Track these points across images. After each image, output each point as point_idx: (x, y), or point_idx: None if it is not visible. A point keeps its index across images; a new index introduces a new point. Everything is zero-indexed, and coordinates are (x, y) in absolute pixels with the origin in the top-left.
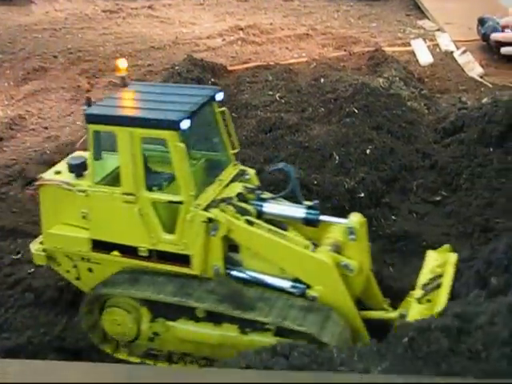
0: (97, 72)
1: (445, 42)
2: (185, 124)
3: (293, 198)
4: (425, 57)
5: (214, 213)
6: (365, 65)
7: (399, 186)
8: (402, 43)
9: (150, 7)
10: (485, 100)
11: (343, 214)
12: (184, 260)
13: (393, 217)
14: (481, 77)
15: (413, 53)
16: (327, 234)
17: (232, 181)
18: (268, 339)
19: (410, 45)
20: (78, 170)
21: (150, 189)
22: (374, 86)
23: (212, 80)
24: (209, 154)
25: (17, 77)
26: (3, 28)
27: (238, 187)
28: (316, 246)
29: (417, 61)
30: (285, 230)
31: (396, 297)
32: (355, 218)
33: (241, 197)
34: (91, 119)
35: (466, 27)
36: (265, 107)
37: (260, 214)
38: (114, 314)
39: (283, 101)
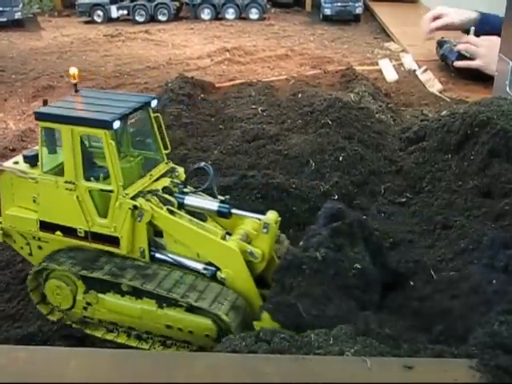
0: (99, 89)
1: (408, 61)
2: (116, 124)
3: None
4: (391, 74)
5: (139, 201)
6: (338, 82)
7: (369, 189)
8: (370, 63)
9: (146, 32)
10: (444, 112)
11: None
12: (114, 241)
13: (363, 216)
14: (440, 92)
15: (380, 71)
16: (241, 225)
17: (162, 176)
18: (180, 314)
19: (377, 64)
20: (32, 160)
21: (88, 179)
22: (345, 100)
23: (202, 96)
24: (145, 152)
25: (28, 94)
26: (16, 51)
27: (166, 182)
28: (230, 235)
29: (384, 78)
30: (203, 220)
31: None
32: (272, 216)
33: (167, 190)
34: (40, 117)
35: (426, 49)
36: (248, 119)
37: (181, 205)
38: (55, 285)
39: (265, 114)
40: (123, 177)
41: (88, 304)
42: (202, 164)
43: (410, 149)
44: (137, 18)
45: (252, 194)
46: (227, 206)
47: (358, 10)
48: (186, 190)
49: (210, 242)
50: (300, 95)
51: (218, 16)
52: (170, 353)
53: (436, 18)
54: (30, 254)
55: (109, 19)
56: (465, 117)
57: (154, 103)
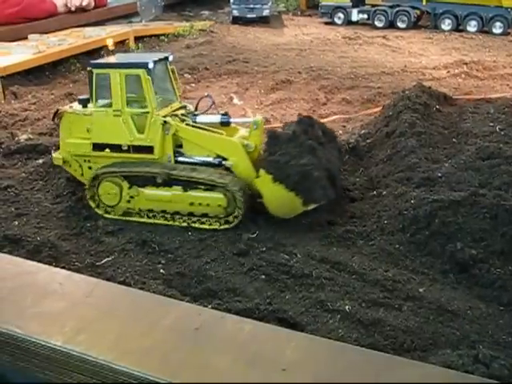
0: (333, 89)
1: None
2: (150, 65)
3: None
4: None
5: (167, 119)
6: None
7: None
8: None
9: (384, 37)
10: None
11: None
12: (149, 150)
13: None
14: None
15: None
16: (238, 131)
17: (178, 109)
18: (200, 193)
19: None
20: (84, 102)
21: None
22: None
23: (437, 107)
24: (167, 92)
25: (267, 86)
26: (260, 45)
27: (181, 111)
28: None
29: None
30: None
31: None
32: (259, 117)
33: (184, 114)
34: (95, 66)
35: None
36: (484, 137)
37: (194, 123)
38: (107, 186)
39: (503, 133)
40: (155, 106)
41: (131, 197)
42: (206, 94)
43: None
44: (376, 22)
45: (480, 212)
46: (226, 117)
47: None
48: (196, 112)
49: (219, 139)
50: None
51: (458, 27)
52: (384, 354)
53: None
54: (82, 175)
55: (348, 22)
56: None
57: (170, 58)
